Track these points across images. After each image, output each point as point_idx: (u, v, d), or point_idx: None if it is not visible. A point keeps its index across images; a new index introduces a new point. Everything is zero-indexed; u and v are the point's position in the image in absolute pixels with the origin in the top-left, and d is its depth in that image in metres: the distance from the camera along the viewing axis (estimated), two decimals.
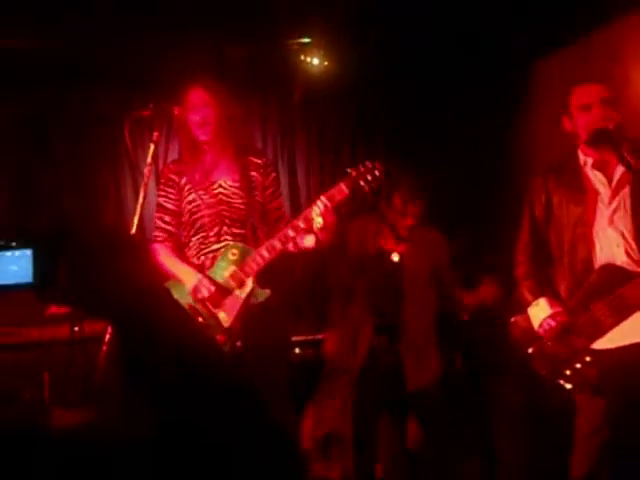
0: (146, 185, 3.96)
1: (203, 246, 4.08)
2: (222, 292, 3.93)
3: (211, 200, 4.09)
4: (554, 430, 4.17)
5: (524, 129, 6.79)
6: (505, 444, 5.49)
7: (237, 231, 4.06)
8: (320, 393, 5.67)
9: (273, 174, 4.31)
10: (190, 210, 4.11)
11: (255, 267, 3.94)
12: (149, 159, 4.00)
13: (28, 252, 0.88)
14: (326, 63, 6.55)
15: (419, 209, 4.62)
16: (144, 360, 1.12)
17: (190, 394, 1.08)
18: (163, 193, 4.21)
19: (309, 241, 4.03)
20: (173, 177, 4.19)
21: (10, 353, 5.15)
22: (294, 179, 7.02)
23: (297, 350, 6.01)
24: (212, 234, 4.06)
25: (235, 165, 4.16)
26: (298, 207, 6.41)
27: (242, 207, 4.09)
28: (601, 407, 3.74)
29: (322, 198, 3.89)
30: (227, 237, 4.04)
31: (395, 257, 4.62)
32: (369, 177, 3.97)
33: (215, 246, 4.05)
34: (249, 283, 3.94)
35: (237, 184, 4.11)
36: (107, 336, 3.58)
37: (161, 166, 5.27)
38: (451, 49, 6.20)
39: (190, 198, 4.11)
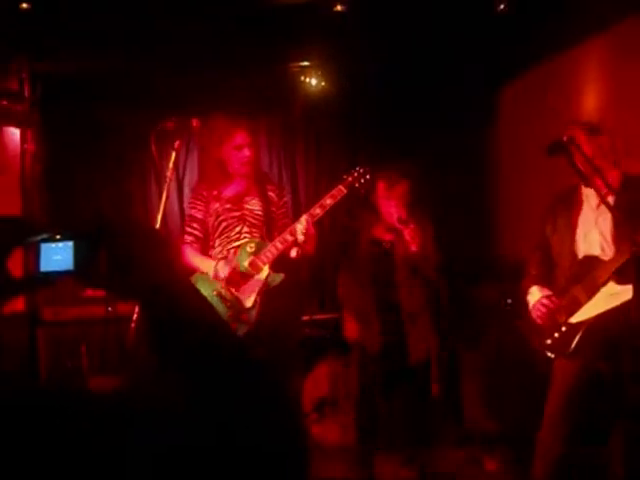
0: (168, 187, 3.98)
1: (226, 243, 4.18)
2: (244, 278, 4.03)
3: (235, 207, 4.21)
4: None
5: (493, 141, 6.79)
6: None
7: (256, 230, 4.18)
8: (318, 364, 5.69)
9: (285, 198, 4.47)
10: (217, 214, 4.21)
11: (270, 256, 4.04)
12: (171, 164, 4.01)
13: (70, 244, 0.88)
14: (323, 83, 6.58)
15: (401, 191, 4.57)
16: (166, 335, 1.12)
17: (204, 365, 1.08)
18: (192, 205, 4.32)
19: (293, 253, 4.13)
20: (202, 192, 4.29)
21: (55, 328, 5.17)
22: (295, 182, 7.02)
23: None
24: (234, 234, 4.17)
25: (257, 187, 4.29)
26: (299, 206, 6.52)
27: (261, 216, 4.22)
28: (571, 370, 3.83)
29: (304, 217, 4.03)
30: (247, 235, 4.16)
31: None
32: (362, 180, 4.13)
33: (236, 243, 4.16)
34: (265, 269, 4.03)
35: (259, 201, 4.24)
36: (135, 315, 3.60)
37: (180, 170, 5.32)
38: (432, 74, 6.20)
39: (215, 207, 4.22)
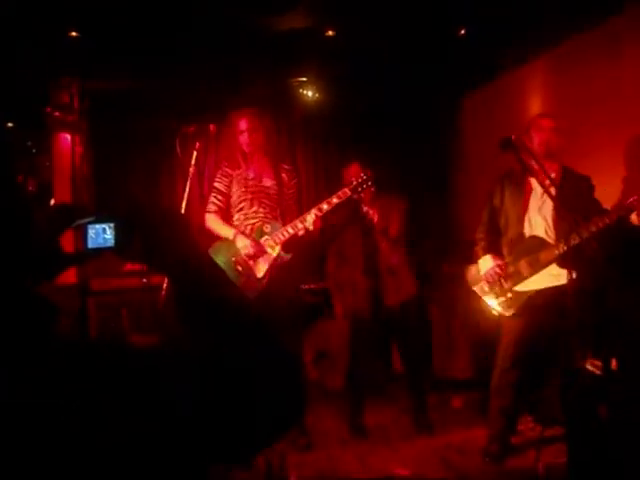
0: (191, 181, 3.99)
1: (243, 219, 4.18)
2: (258, 252, 4.04)
3: (254, 188, 4.19)
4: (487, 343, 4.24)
5: (457, 142, 6.79)
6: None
7: (270, 211, 4.17)
8: (317, 323, 5.72)
9: (295, 179, 4.39)
10: (237, 193, 4.21)
11: (282, 238, 4.04)
12: (192, 162, 4.02)
13: (111, 225, 0.90)
14: (317, 95, 6.60)
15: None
16: (189, 301, 1.14)
17: (220, 324, 1.10)
18: (219, 179, 4.31)
19: (301, 232, 4.05)
20: (228, 170, 4.29)
21: (101, 297, 5.19)
22: (298, 174, 7.03)
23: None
24: (251, 212, 4.17)
25: (272, 169, 4.26)
26: (301, 198, 6.45)
27: (275, 196, 4.20)
28: (516, 328, 3.88)
29: (313, 210, 4.00)
30: (260, 214, 4.15)
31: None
32: (364, 185, 4.08)
33: (252, 220, 4.15)
34: (277, 248, 4.05)
35: (273, 181, 4.22)
36: (165, 285, 3.62)
37: (201, 167, 5.34)
38: (406, 88, 6.20)
39: (239, 185, 4.22)
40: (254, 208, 4.16)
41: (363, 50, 5.55)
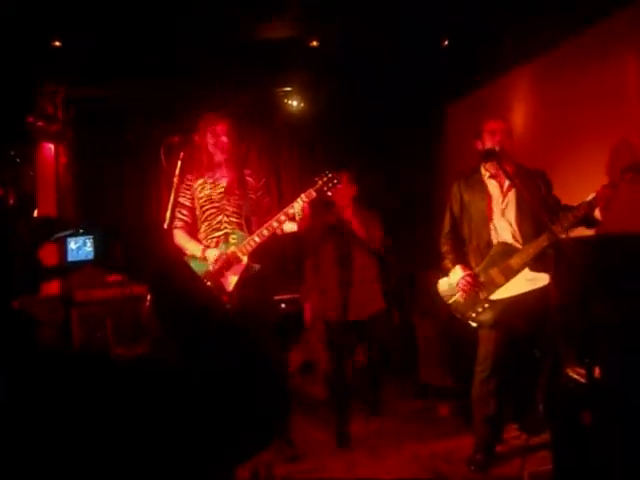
0: (176, 190, 3.97)
1: (210, 231, 4.05)
2: (226, 264, 3.90)
3: (217, 197, 4.07)
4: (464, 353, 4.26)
5: (440, 149, 6.82)
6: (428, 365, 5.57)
7: (235, 220, 4.03)
8: (303, 334, 5.72)
9: (263, 179, 4.28)
10: (201, 204, 4.09)
11: (249, 248, 3.91)
12: (177, 172, 4.00)
13: (90, 238, 0.89)
14: (302, 104, 6.64)
15: (351, 191, 4.91)
16: (170, 310, 1.14)
17: (202, 333, 1.10)
18: (182, 194, 4.14)
19: (291, 227, 4.00)
20: (190, 183, 4.16)
21: (85, 307, 5.18)
22: (279, 180, 7.08)
23: (283, 305, 6.04)
24: (215, 223, 4.03)
25: (235, 174, 4.13)
26: (282, 199, 6.50)
27: (239, 202, 4.06)
28: (494, 337, 3.88)
29: (302, 196, 3.90)
30: (227, 225, 4.02)
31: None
32: (330, 184, 3.96)
33: (217, 233, 4.02)
34: (245, 259, 3.91)
35: (237, 189, 4.08)
36: (148, 295, 3.61)
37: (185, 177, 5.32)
38: (392, 97, 6.24)
39: (201, 195, 4.09)
40: (219, 218, 4.04)
41: (346, 60, 5.58)
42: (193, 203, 4.15)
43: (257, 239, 3.91)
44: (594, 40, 4.43)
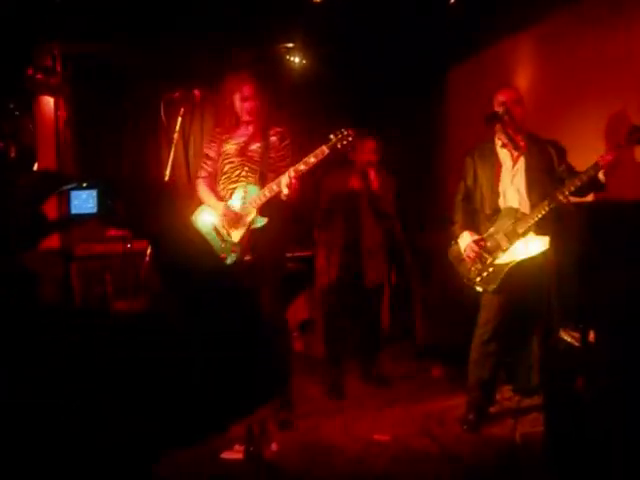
0: (175, 147, 3.98)
1: (227, 183, 4.11)
2: (237, 217, 3.98)
3: (238, 153, 4.12)
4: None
5: (442, 119, 6.78)
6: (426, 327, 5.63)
7: (251, 175, 4.06)
8: (305, 292, 5.77)
9: (287, 141, 4.23)
10: (223, 157, 4.15)
11: (259, 202, 3.97)
12: (177, 128, 4.01)
13: (94, 192, 0.89)
14: (304, 61, 6.59)
15: (370, 146, 4.85)
16: (172, 267, 1.14)
17: (203, 293, 1.11)
18: (208, 145, 4.27)
19: (283, 196, 3.96)
20: (217, 135, 4.23)
21: (84, 262, 5.20)
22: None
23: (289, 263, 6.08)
24: (234, 176, 4.09)
25: (261, 132, 4.15)
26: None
27: (258, 160, 4.08)
28: (496, 302, 3.93)
29: (314, 153, 3.89)
30: (243, 179, 4.06)
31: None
32: (344, 141, 3.92)
33: (233, 185, 4.08)
34: (253, 212, 3.97)
35: (259, 145, 4.11)
36: (148, 250, 3.63)
37: (186, 133, 5.29)
38: (394, 58, 6.18)
39: (225, 149, 4.15)
40: (237, 172, 4.09)
41: (350, 18, 5.52)
42: (217, 155, 4.20)
43: (267, 193, 3.97)
44: (598, 5, 4.39)
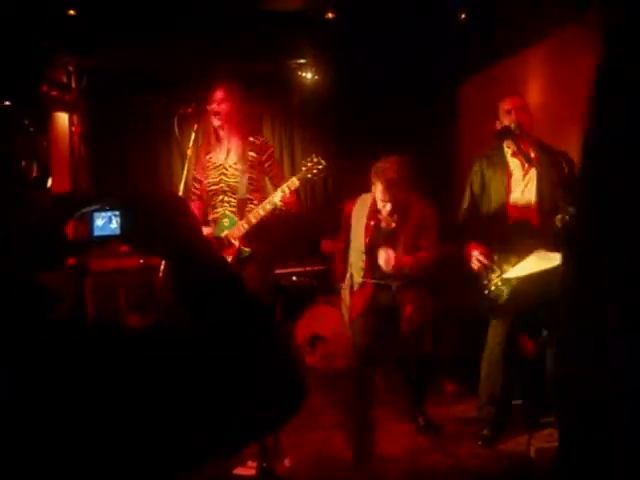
0: (189, 162, 4.00)
1: (211, 210, 4.03)
2: (221, 247, 3.85)
3: (217, 174, 4.00)
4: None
5: (455, 128, 6.80)
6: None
7: (229, 200, 3.95)
8: (309, 308, 5.74)
9: (269, 150, 4.08)
10: (206, 181, 4.04)
11: (240, 232, 3.88)
12: (191, 143, 4.02)
13: (117, 213, 0.91)
14: (316, 77, 6.59)
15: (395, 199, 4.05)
16: (187, 282, 1.15)
17: (215, 303, 1.12)
18: (195, 168, 4.16)
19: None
20: (201, 158, 4.14)
21: (99, 277, 5.23)
22: (293, 157, 7.10)
23: (294, 278, 6.11)
24: (216, 202, 3.99)
25: (235, 144, 3.99)
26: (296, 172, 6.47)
27: (234, 185, 3.95)
28: (505, 318, 3.93)
29: (283, 186, 3.79)
30: (224, 204, 3.96)
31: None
32: (314, 170, 3.81)
33: (215, 214, 3.99)
34: (236, 243, 3.89)
35: (235, 162, 3.96)
36: (161, 266, 3.65)
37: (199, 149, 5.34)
38: (406, 73, 6.22)
39: (208, 173, 4.03)
40: (219, 198, 3.98)
41: (362, 34, 5.56)
42: (204, 178, 4.07)
43: (246, 225, 3.86)
44: None
